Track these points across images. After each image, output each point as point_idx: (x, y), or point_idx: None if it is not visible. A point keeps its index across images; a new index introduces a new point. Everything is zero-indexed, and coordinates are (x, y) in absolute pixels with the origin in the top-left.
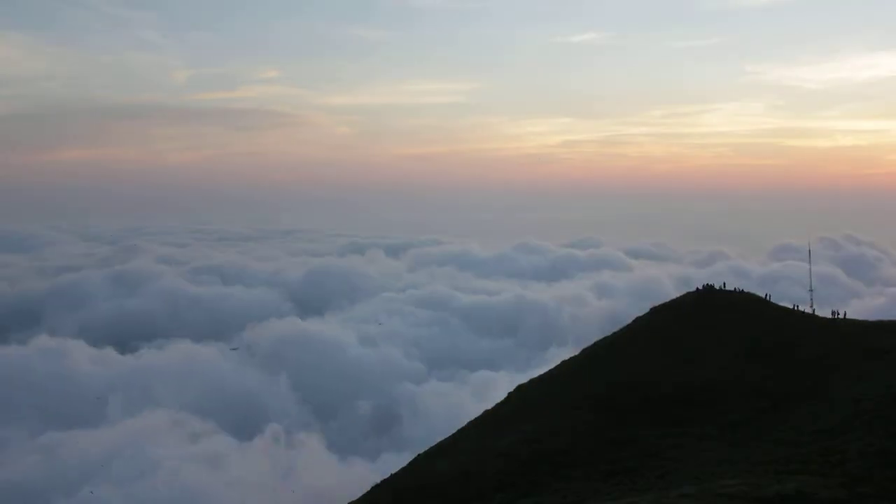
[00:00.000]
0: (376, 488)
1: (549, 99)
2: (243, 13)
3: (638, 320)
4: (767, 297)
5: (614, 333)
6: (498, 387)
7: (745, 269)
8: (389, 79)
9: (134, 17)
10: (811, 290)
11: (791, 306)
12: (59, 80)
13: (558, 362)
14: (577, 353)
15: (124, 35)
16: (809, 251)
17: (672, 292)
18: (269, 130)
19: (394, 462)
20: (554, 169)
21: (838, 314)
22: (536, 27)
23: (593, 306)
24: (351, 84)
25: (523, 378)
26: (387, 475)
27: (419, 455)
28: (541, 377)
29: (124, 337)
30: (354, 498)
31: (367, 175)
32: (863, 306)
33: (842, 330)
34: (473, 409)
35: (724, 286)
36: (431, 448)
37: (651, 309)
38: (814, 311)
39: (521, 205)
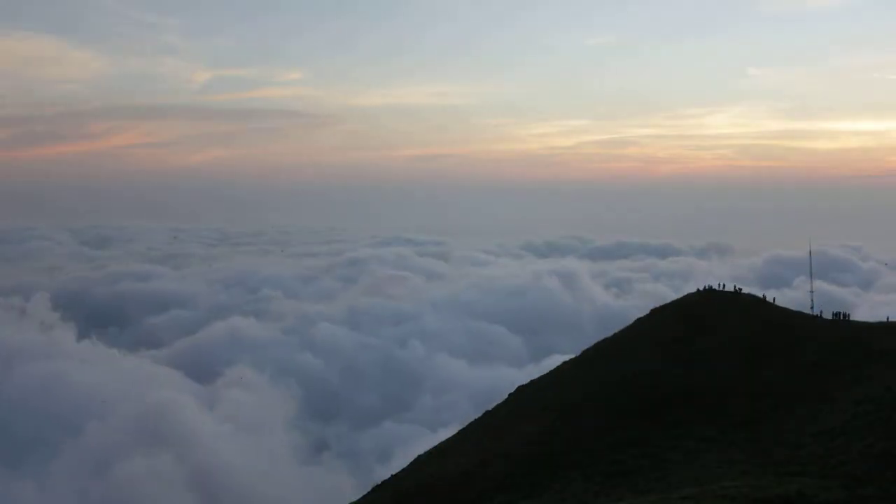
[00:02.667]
0: (377, 489)
1: (556, 101)
2: (263, 18)
3: (639, 321)
4: (770, 299)
5: (615, 334)
6: None
7: (746, 270)
8: (403, 81)
9: (159, 22)
10: (812, 292)
11: (792, 307)
12: (85, 83)
13: (559, 363)
14: (577, 353)
15: (150, 39)
16: (810, 252)
17: (673, 293)
18: (286, 131)
19: None
20: (560, 170)
21: (839, 315)
22: (548, 31)
23: (594, 306)
24: (367, 85)
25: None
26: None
27: (420, 455)
28: (541, 378)
29: None
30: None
31: (381, 175)
32: (864, 307)
33: (843, 331)
34: None
35: (724, 286)
36: (432, 448)
37: (652, 310)
38: (814, 312)
39: (526, 205)
